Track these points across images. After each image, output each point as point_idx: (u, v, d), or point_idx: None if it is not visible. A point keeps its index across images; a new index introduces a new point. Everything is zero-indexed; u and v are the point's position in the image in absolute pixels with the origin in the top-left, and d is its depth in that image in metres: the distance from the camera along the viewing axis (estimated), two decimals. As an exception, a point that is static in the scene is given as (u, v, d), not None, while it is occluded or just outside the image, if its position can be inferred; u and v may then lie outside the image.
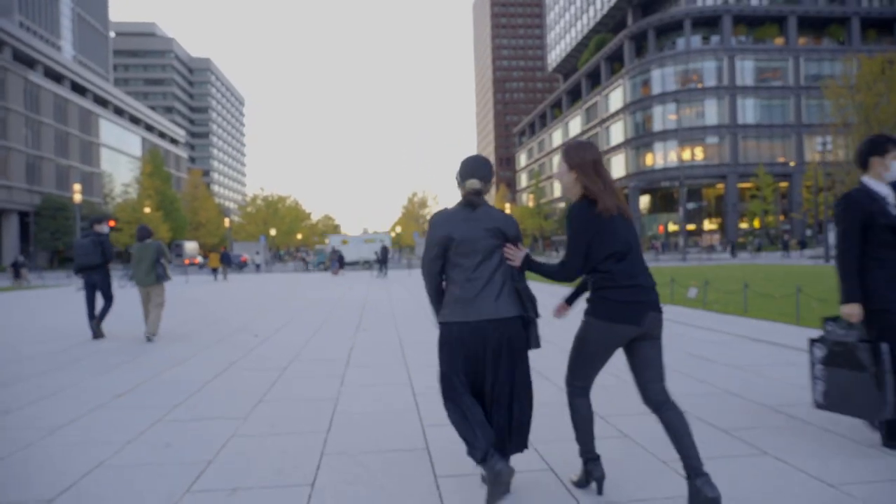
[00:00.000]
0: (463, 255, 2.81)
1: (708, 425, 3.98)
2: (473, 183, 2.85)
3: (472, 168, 2.88)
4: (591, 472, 2.90)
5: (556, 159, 3.70)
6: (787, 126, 61.82)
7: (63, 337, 9.04)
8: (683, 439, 2.64)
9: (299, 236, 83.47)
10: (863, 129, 32.44)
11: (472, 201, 2.84)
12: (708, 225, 66.15)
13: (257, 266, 41.47)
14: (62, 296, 19.88)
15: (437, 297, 2.95)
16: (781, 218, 60.60)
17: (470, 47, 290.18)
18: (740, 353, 6.50)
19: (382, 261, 28.21)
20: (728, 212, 61.18)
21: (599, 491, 2.91)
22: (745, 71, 61.99)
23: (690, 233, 62.59)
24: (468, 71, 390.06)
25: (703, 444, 3.40)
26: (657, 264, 34.88)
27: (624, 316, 2.68)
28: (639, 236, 2.88)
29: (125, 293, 17.33)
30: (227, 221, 72.52)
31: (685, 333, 7.93)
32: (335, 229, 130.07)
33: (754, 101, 61.90)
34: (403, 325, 9.75)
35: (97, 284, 8.55)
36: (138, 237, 8.61)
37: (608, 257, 2.70)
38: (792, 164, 59.55)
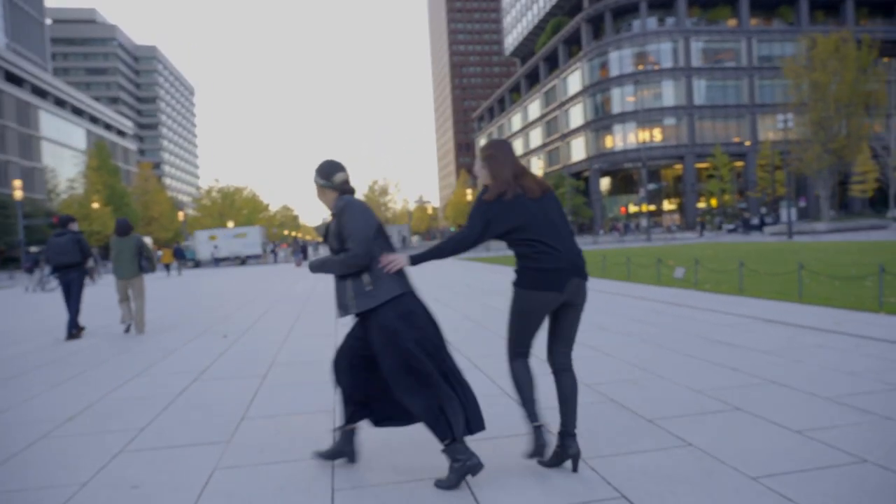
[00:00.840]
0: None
1: (777, 426, 3.43)
2: (341, 176, 3.08)
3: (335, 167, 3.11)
4: (567, 449, 2.93)
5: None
6: (741, 106, 62.92)
7: (33, 338, 9.05)
8: (569, 402, 2.97)
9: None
10: (819, 107, 32.97)
11: (348, 191, 3.08)
12: (667, 205, 67.09)
13: (216, 261, 39.75)
14: (10, 298, 18.43)
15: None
16: (738, 197, 61.79)
17: (426, 32, 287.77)
18: (760, 336, 6.04)
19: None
20: (687, 192, 62.07)
21: (574, 468, 2.94)
22: (700, 52, 62.71)
23: (651, 213, 63.30)
24: (424, 56, 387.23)
25: (783, 454, 2.88)
26: (622, 245, 34.93)
27: (545, 283, 2.86)
28: (561, 210, 3.03)
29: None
30: (181, 215, 69.88)
31: (691, 316, 7.48)
32: (294, 220, 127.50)
33: (708, 82, 62.75)
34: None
35: (72, 282, 8.63)
36: (118, 231, 8.84)
37: (509, 232, 2.89)
38: (747, 143, 60.67)
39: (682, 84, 61.95)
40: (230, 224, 62.80)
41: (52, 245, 8.54)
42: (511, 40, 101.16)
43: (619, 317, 7.77)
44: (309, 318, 9.51)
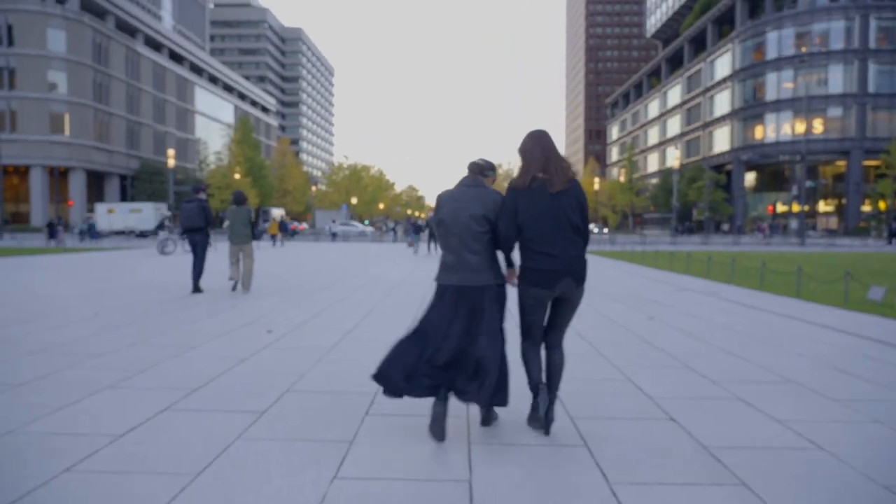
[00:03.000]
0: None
1: None
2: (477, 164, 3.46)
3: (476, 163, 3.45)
4: (547, 412, 3.31)
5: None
6: (926, 96, 54.15)
7: (166, 289, 10.56)
8: (555, 375, 3.40)
9: (381, 206, 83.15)
10: None
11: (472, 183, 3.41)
12: (823, 207, 59.66)
13: (333, 235, 40.45)
14: (147, 258, 19.41)
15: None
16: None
17: (562, 14, 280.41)
18: None
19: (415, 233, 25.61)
20: (850, 192, 54.76)
21: (547, 431, 3.36)
22: (879, 32, 54.60)
23: (803, 214, 56.57)
24: (560, 39, 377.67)
25: None
26: (769, 248, 31.03)
27: (536, 281, 3.25)
28: (577, 208, 3.23)
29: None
30: (313, 189, 72.95)
31: None
32: (418, 201, 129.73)
33: (891, 67, 54.48)
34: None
35: (197, 244, 9.63)
36: (234, 201, 9.91)
37: (519, 229, 3.26)
38: (932, 138, 52.15)
39: (854, 68, 54.35)
40: (354, 200, 64.49)
41: (183, 210, 9.64)
42: (654, 21, 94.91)
43: (814, 360, 5.28)
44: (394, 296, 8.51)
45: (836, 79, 55.06)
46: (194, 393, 4.11)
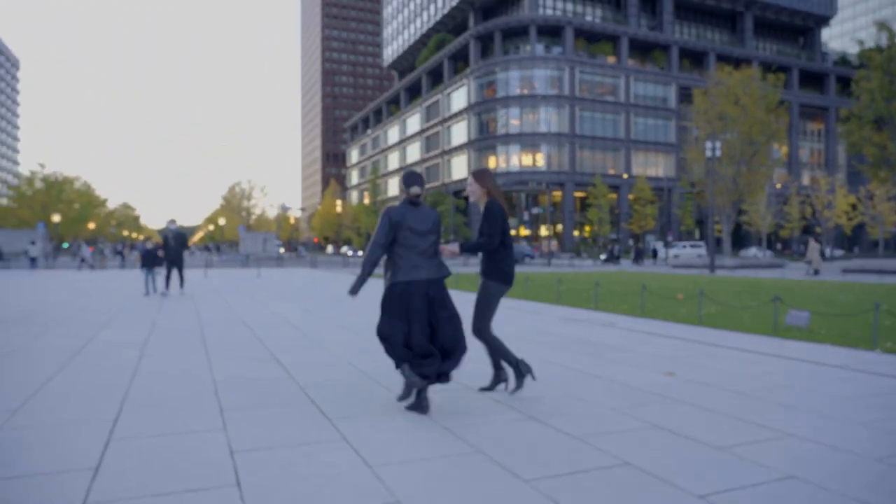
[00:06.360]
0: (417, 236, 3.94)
1: None
2: (416, 189, 3.99)
3: (413, 179, 4.03)
4: (500, 377, 4.53)
5: (469, 179, 3.34)
6: (617, 140, 65.10)
7: None
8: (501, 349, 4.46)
9: (92, 225, 69.81)
10: (730, 141, 33.31)
11: (414, 202, 4.00)
12: (544, 231, 67.45)
13: (32, 260, 31.68)
14: None
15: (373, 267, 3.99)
16: (610, 227, 63.52)
17: (296, 33, 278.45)
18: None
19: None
20: (565, 218, 62.67)
21: (506, 388, 4.57)
22: (583, 83, 64.14)
23: (528, 238, 63.10)
24: (294, 59, 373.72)
25: None
26: (528, 268, 32.84)
27: (509, 279, 4.35)
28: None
29: None
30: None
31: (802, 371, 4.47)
32: (135, 220, 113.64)
33: (591, 113, 64.27)
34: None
35: None
36: None
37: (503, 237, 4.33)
38: (625, 176, 62.68)
39: (566, 112, 62.77)
40: (56, 218, 52.64)
41: None
42: (391, 52, 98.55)
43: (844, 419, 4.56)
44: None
45: (552, 119, 62.86)
46: None
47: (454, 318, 3.96)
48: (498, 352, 4.40)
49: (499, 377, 4.53)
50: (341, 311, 10.44)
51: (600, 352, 6.60)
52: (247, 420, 3.89)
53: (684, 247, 46.87)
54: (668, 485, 2.86)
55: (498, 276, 4.29)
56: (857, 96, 28.86)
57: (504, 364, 4.47)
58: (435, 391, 4.50)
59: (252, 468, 3.03)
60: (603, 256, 40.39)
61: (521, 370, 4.39)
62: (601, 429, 3.75)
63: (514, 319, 9.51)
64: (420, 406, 3.94)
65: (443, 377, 3.94)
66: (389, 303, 3.88)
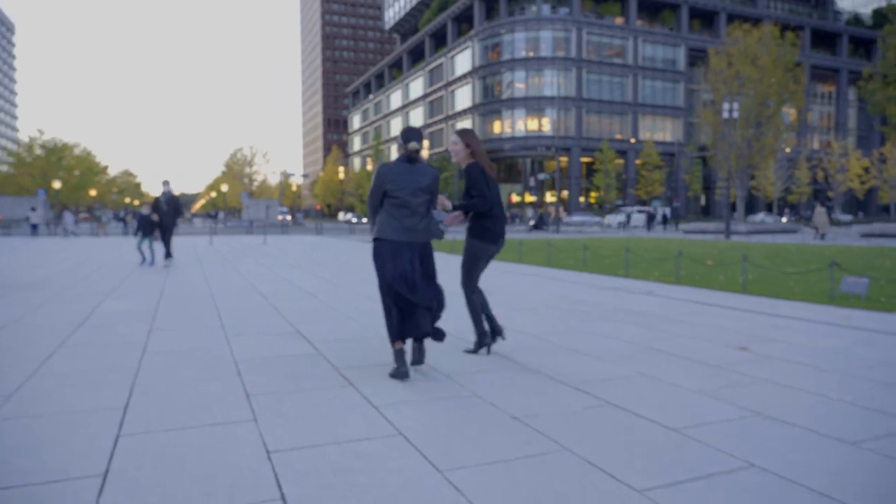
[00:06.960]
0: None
1: None
2: (414, 145, 3.86)
3: (412, 134, 3.89)
4: (483, 340, 4.47)
5: (452, 137, 4.14)
6: (625, 104, 63.66)
7: None
8: (486, 307, 4.47)
9: (93, 192, 68.95)
10: (746, 102, 32.21)
11: (413, 157, 3.89)
12: (549, 198, 66.54)
13: (33, 227, 31.09)
14: None
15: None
16: (618, 193, 62.59)
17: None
18: None
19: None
20: (571, 185, 61.72)
21: (488, 351, 4.51)
22: (590, 45, 62.41)
23: (533, 205, 62.26)
24: (294, 21, 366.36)
25: None
26: (531, 236, 32.20)
27: (495, 239, 4.33)
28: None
29: None
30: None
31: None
32: (136, 188, 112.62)
33: (598, 76, 62.68)
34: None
35: None
36: None
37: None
38: (632, 140, 61.49)
39: (573, 75, 61.23)
40: (57, 185, 51.82)
41: None
42: (392, 14, 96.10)
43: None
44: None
45: (558, 83, 61.35)
46: None
47: (432, 278, 3.95)
48: (475, 313, 4.41)
49: (495, 330, 4.52)
50: (364, 279, 9.86)
51: (650, 322, 6.02)
52: (280, 409, 3.31)
53: (635, 212, 46.70)
54: (821, 496, 2.28)
55: (482, 234, 4.29)
56: (883, 54, 27.73)
57: (487, 325, 4.52)
58: (491, 370, 3.92)
59: (297, 476, 2.45)
60: (532, 223, 39.52)
61: (482, 342, 4.45)
62: (699, 419, 3.18)
63: (539, 287, 8.93)
64: (399, 373, 3.82)
65: (436, 334, 3.93)
66: (376, 260, 3.90)
